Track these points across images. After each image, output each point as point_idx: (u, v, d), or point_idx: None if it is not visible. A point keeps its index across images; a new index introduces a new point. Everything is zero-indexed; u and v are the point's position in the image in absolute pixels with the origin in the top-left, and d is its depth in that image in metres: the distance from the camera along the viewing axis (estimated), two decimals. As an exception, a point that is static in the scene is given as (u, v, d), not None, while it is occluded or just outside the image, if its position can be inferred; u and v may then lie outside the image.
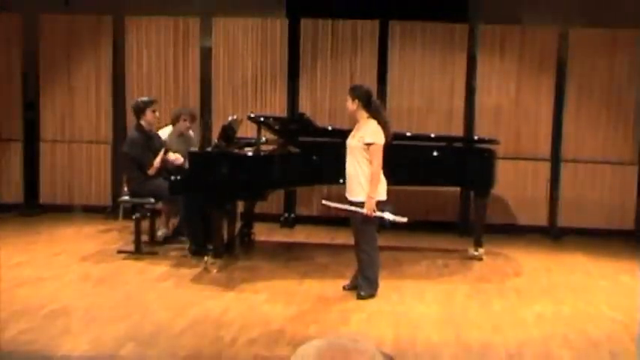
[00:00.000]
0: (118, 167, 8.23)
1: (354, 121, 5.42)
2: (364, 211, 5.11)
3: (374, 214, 5.13)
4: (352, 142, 5.22)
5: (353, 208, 5.15)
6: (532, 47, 7.79)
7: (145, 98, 6.83)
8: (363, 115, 5.27)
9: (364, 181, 5.15)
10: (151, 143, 6.65)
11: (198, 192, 6.03)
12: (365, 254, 5.28)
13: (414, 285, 5.81)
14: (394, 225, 5.34)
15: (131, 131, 6.83)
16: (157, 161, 6.52)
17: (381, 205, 5.18)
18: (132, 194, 6.64)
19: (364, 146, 5.14)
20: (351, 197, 5.24)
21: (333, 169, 5.48)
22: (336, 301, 5.31)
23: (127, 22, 8.23)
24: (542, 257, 6.91)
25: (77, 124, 8.45)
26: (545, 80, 7.80)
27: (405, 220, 5.21)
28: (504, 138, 7.56)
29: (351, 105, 5.24)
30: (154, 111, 6.70)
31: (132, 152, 6.56)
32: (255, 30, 8.08)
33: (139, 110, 6.64)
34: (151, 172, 6.48)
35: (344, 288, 5.54)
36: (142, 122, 6.63)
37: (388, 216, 5.16)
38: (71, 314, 4.88)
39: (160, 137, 6.89)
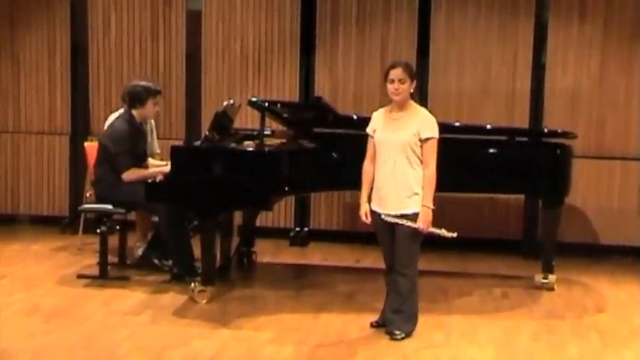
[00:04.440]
0: (78, 166, 8.30)
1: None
2: (419, 225, 5.19)
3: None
4: (400, 136, 5.24)
5: (409, 222, 5.20)
6: (622, 9, 7.77)
7: (148, 84, 6.78)
8: (410, 102, 5.35)
9: (417, 186, 5.22)
10: (138, 142, 6.68)
11: (183, 198, 6.07)
12: (405, 279, 5.31)
13: (463, 321, 5.83)
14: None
15: (119, 121, 6.70)
16: (153, 173, 6.46)
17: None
18: (98, 200, 6.69)
19: (419, 142, 5.22)
20: (399, 210, 5.24)
21: (358, 169, 5.51)
22: (362, 342, 5.32)
23: (89, -23, 8.32)
24: (632, 287, 6.90)
25: (24, 111, 8.54)
26: (639, 54, 7.79)
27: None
28: (583, 130, 7.59)
29: (409, 87, 5.29)
30: (156, 103, 6.73)
31: (114, 148, 6.51)
32: (258, -12, 8.15)
33: (139, 99, 6.61)
34: (127, 177, 6.48)
35: (372, 325, 5.58)
36: (135, 113, 6.65)
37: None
38: None
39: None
